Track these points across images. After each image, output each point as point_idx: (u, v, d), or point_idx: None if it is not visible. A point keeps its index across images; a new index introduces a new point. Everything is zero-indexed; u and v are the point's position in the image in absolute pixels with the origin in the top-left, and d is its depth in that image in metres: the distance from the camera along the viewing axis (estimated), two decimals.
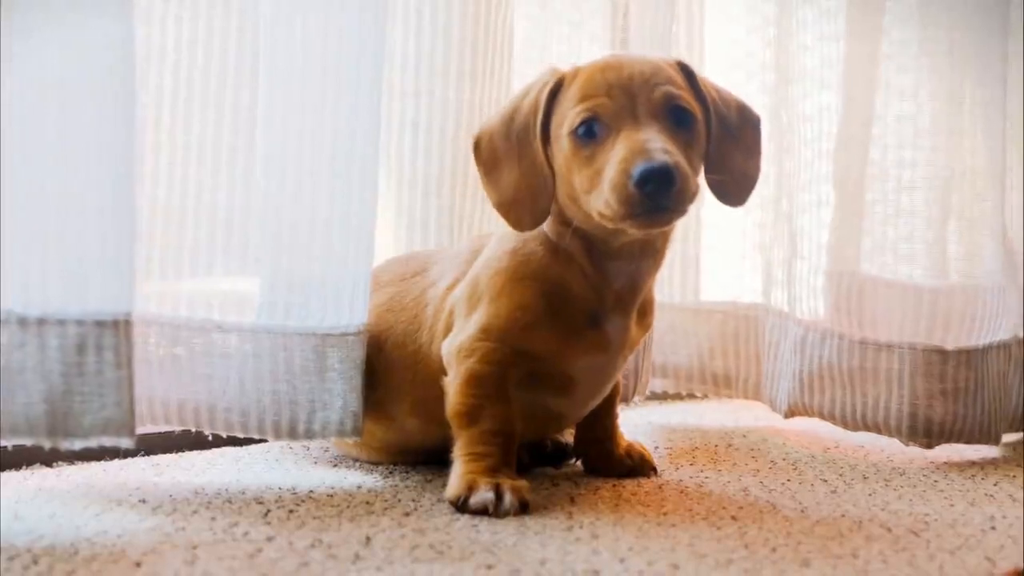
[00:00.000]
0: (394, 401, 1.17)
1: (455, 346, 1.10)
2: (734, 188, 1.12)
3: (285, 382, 1.13)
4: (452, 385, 1.10)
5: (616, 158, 1.00)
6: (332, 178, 1.13)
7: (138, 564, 0.86)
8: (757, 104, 1.52)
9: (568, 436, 1.28)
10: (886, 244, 1.44)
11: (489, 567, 0.87)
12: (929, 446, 1.38)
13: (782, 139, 1.49)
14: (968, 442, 1.39)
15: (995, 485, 1.23)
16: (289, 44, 1.12)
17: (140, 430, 1.24)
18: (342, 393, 1.14)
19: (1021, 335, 1.47)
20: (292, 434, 1.14)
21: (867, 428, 1.40)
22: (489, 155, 1.10)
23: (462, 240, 1.36)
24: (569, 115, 1.05)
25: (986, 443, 1.40)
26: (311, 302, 1.14)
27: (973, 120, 1.44)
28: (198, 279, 1.16)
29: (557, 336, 1.09)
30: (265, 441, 1.29)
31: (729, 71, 1.60)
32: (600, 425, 1.23)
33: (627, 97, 1.03)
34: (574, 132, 1.04)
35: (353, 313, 1.14)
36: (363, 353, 1.15)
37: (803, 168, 1.47)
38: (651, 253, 1.11)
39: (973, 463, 1.35)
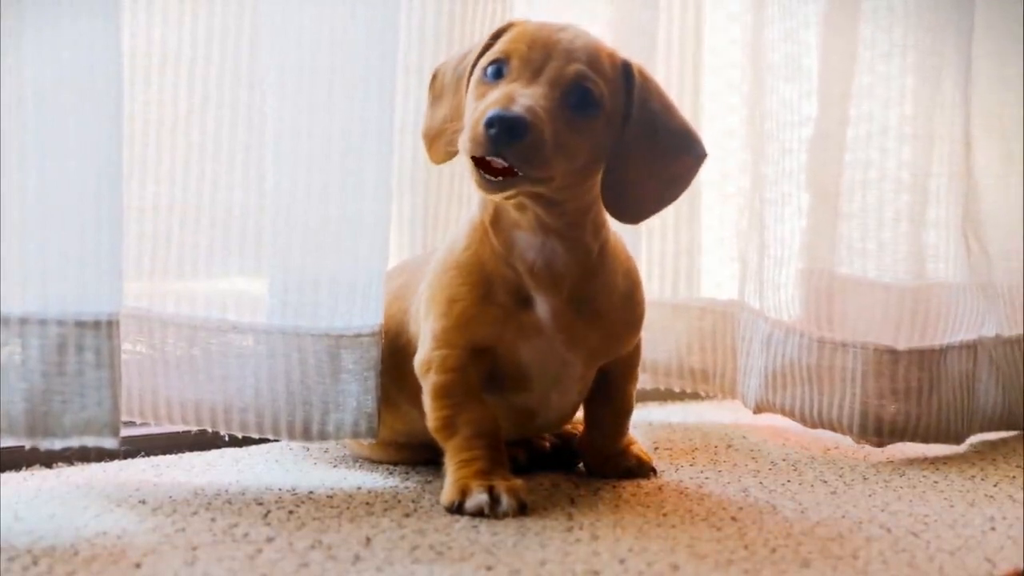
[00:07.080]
0: (396, 387, 1.17)
1: (418, 361, 1.11)
2: (622, 202, 1.08)
3: (299, 383, 1.13)
4: (425, 401, 1.10)
5: (487, 99, 1.01)
6: (344, 176, 1.13)
7: (138, 564, 0.86)
8: (743, 103, 1.55)
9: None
10: (853, 242, 1.44)
11: (489, 568, 0.87)
12: (880, 444, 1.38)
13: (759, 143, 1.48)
14: (924, 441, 1.39)
15: (995, 486, 1.23)
16: (299, 41, 1.12)
17: (145, 430, 1.26)
18: (356, 394, 1.14)
19: (1005, 334, 1.47)
20: (306, 435, 1.14)
21: (823, 426, 1.40)
22: (439, 87, 1.14)
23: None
24: (488, 54, 1.06)
25: (945, 443, 1.40)
26: (324, 302, 1.13)
27: (941, 121, 1.44)
28: (214, 279, 1.16)
29: (492, 320, 1.09)
30: (266, 441, 1.28)
31: (725, 69, 1.60)
32: (604, 434, 1.22)
33: (542, 56, 1.03)
34: (484, 68, 1.05)
35: (366, 313, 1.14)
36: (378, 354, 1.14)
37: (776, 168, 1.46)
38: (556, 232, 1.08)
39: (973, 464, 1.34)
